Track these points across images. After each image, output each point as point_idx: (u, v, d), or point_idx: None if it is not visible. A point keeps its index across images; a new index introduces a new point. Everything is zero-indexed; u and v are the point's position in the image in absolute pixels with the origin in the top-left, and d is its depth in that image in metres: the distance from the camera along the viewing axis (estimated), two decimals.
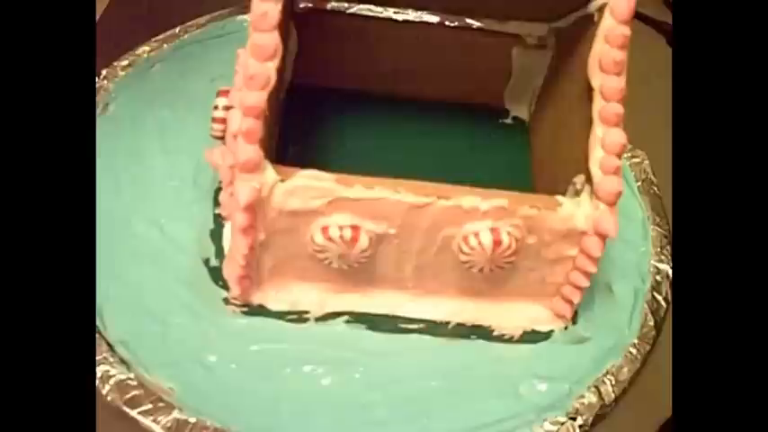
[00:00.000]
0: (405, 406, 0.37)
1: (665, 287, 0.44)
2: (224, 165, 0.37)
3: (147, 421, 0.35)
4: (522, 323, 0.41)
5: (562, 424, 0.37)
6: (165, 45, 0.53)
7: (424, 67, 0.47)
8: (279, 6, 0.34)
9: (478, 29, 0.47)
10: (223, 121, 0.39)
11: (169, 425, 0.35)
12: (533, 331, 0.41)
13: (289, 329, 0.39)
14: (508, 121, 0.50)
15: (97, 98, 0.48)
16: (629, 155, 0.50)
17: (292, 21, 0.45)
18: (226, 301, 0.39)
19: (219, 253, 0.41)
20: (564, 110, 0.43)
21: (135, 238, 0.41)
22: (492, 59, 0.48)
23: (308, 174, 0.35)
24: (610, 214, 0.36)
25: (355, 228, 0.35)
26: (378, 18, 0.46)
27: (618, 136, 0.35)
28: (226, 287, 0.39)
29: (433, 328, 0.40)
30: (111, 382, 0.36)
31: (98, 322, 0.37)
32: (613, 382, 0.39)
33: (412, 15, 0.47)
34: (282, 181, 0.34)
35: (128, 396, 0.36)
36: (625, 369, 0.40)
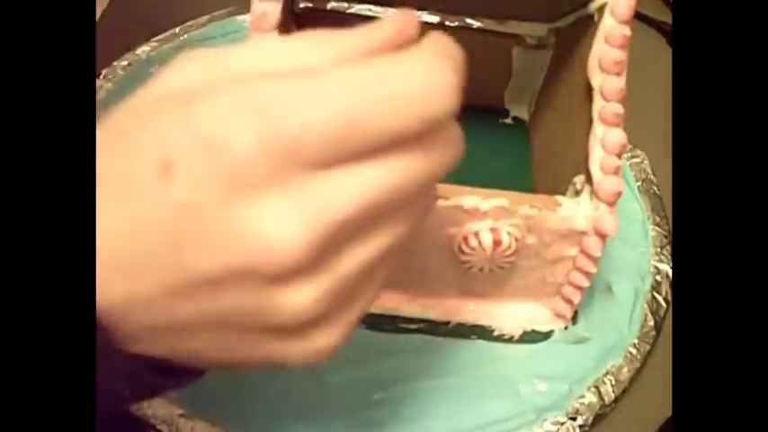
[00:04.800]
0: (405, 406, 0.37)
1: (665, 287, 0.44)
2: None
3: (146, 421, 0.35)
4: (522, 323, 0.41)
5: (562, 424, 0.37)
6: (164, 45, 0.53)
7: None
8: (279, 6, 0.34)
9: (478, 29, 0.47)
10: None
11: (169, 425, 0.35)
12: (533, 331, 0.41)
13: None
14: (508, 121, 0.50)
15: (97, 98, 0.48)
16: (629, 155, 0.50)
17: (292, 21, 0.45)
18: None
19: None
20: (564, 110, 0.43)
21: None
22: (492, 59, 0.48)
23: None
24: (610, 214, 0.36)
25: None
26: (378, 18, 0.46)
27: (618, 136, 0.35)
28: None
29: (433, 328, 0.40)
30: None
31: None
32: (613, 382, 0.39)
33: None
34: None
35: None
36: (625, 369, 0.40)
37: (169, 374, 0.23)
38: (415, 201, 0.22)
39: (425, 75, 0.19)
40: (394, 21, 0.22)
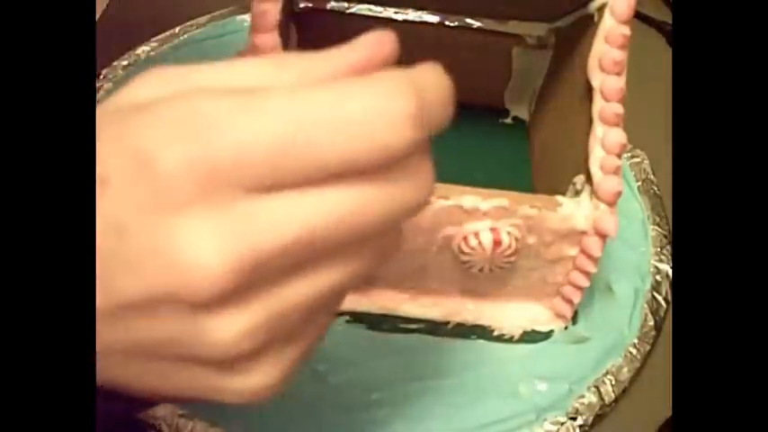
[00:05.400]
0: (405, 406, 0.37)
1: (665, 287, 0.43)
2: None
3: (146, 421, 0.35)
4: (522, 323, 0.41)
5: (562, 424, 0.37)
6: (164, 45, 0.53)
7: None
8: (279, 6, 0.34)
9: (478, 29, 0.47)
10: None
11: (169, 425, 0.35)
12: (533, 331, 0.41)
13: None
14: (508, 121, 0.50)
15: (97, 98, 0.48)
16: (629, 155, 0.50)
17: (292, 21, 0.45)
18: None
19: None
20: (564, 110, 0.43)
21: None
22: (492, 59, 0.48)
23: None
24: (610, 214, 0.36)
25: None
26: (378, 18, 0.46)
27: (618, 136, 0.35)
28: None
29: (433, 328, 0.40)
30: None
31: None
32: (613, 382, 0.39)
33: (412, 15, 0.47)
34: None
35: None
36: (625, 369, 0.40)
37: (116, 400, 0.22)
38: (373, 237, 0.20)
39: (377, 101, 0.18)
40: (366, 43, 0.20)
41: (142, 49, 0.53)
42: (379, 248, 0.21)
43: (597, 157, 0.36)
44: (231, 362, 0.19)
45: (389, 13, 0.46)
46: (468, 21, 0.46)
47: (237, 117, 0.18)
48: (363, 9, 0.46)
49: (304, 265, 0.19)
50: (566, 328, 0.41)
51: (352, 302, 0.40)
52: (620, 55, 0.35)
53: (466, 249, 0.36)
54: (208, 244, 0.17)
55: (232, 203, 0.18)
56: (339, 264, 0.20)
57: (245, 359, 0.20)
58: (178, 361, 0.20)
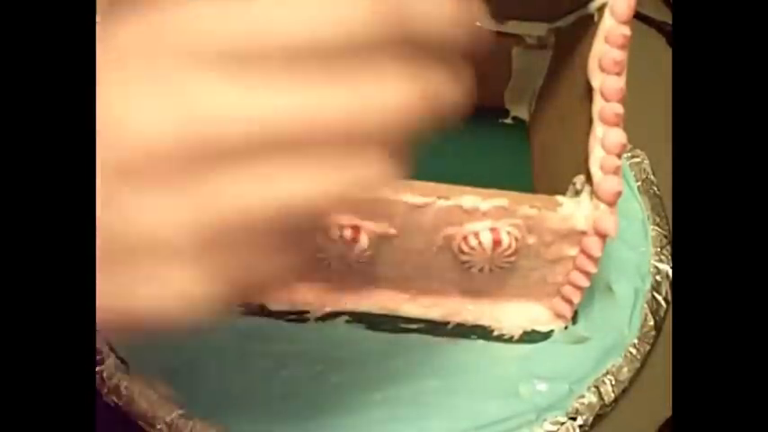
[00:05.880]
0: (405, 406, 0.37)
1: (665, 287, 0.43)
2: None
3: (147, 421, 0.35)
4: (522, 323, 0.41)
5: (562, 424, 0.37)
6: None
7: None
8: None
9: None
10: None
11: (169, 425, 0.35)
12: (533, 331, 0.41)
13: (289, 329, 0.39)
14: (508, 121, 0.50)
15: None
16: (629, 155, 0.50)
17: None
18: None
19: None
20: (564, 110, 0.43)
21: None
22: (492, 59, 0.48)
23: None
24: (610, 214, 0.36)
25: (355, 228, 0.35)
26: None
27: (618, 136, 0.35)
28: None
29: (433, 328, 0.40)
30: (112, 382, 0.36)
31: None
32: (613, 382, 0.39)
33: None
34: None
35: (128, 397, 0.36)
36: (625, 369, 0.40)
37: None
38: (338, 144, 0.19)
39: None
40: None
41: None
42: (346, 163, 0.19)
43: (597, 157, 0.36)
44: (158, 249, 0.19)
45: None
46: None
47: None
48: None
49: (253, 155, 0.18)
50: (566, 328, 0.41)
51: (353, 302, 0.40)
52: (620, 55, 0.35)
53: (466, 249, 0.36)
54: (152, 117, 0.18)
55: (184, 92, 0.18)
56: (292, 164, 0.19)
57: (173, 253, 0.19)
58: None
